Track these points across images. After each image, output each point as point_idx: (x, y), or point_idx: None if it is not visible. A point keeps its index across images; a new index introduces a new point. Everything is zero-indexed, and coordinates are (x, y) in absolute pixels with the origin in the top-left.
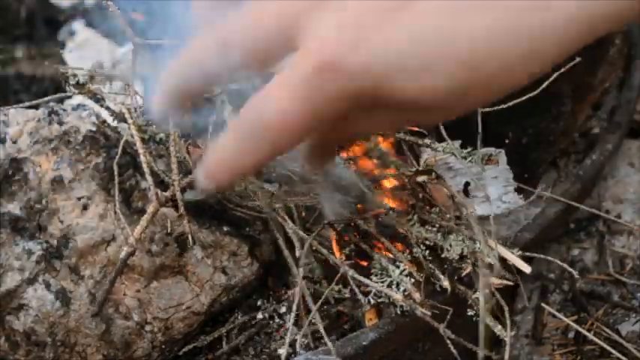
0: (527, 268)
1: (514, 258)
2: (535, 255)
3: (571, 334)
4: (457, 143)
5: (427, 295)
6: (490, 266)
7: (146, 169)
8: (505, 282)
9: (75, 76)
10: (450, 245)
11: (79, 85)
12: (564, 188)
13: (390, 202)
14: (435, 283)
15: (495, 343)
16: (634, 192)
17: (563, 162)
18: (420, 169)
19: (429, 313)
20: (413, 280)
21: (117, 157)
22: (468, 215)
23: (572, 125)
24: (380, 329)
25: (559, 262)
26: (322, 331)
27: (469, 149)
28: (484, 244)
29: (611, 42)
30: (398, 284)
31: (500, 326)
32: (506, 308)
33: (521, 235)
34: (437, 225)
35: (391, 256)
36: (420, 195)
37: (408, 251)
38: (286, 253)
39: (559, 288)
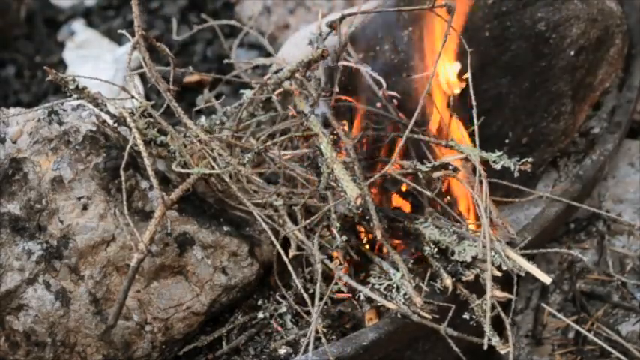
0: (547, 279)
1: (533, 269)
2: (537, 251)
3: (571, 334)
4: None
5: (427, 295)
6: (494, 278)
7: (151, 173)
8: (507, 295)
9: (74, 80)
10: (464, 249)
11: (79, 90)
12: (564, 188)
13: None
14: (435, 284)
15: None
16: (634, 192)
17: (563, 162)
18: (437, 164)
19: (429, 317)
20: (414, 283)
21: (123, 163)
22: (483, 224)
23: (572, 125)
24: (380, 329)
25: (568, 250)
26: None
27: (498, 154)
28: (500, 252)
29: (611, 42)
30: (398, 287)
31: (498, 337)
32: (507, 320)
33: (522, 235)
34: (451, 230)
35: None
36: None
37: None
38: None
39: (559, 288)
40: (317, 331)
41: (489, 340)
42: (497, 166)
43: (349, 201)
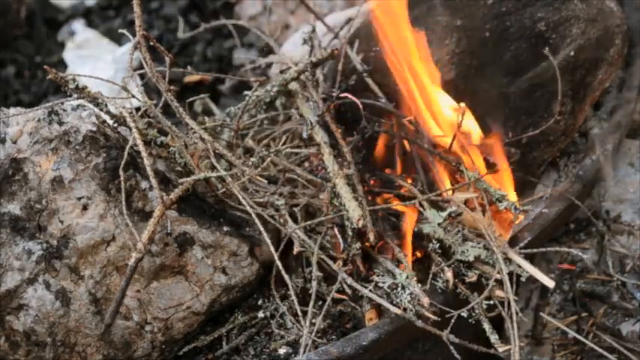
0: (550, 283)
1: (537, 272)
2: (537, 250)
3: (571, 334)
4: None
5: (428, 295)
6: (498, 281)
7: (150, 173)
8: (508, 296)
9: (74, 80)
10: (467, 250)
11: (79, 89)
12: (564, 188)
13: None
14: (436, 283)
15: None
16: (634, 192)
17: (563, 162)
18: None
19: (433, 318)
20: (419, 284)
21: (122, 163)
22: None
23: (572, 125)
24: (380, 329)
25: (569, 249)
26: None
27: (501, 192)
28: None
29: (611, 42)
30: (404, 287)
31: (497, 336)
32: (509, 320)
33: (521, 235)
34: (455, 229)
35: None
36: None
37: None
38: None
39: (559, 288)
40: (317, 331)
41: (489, 340)
42: (501, 207)
43: (352, 221)
